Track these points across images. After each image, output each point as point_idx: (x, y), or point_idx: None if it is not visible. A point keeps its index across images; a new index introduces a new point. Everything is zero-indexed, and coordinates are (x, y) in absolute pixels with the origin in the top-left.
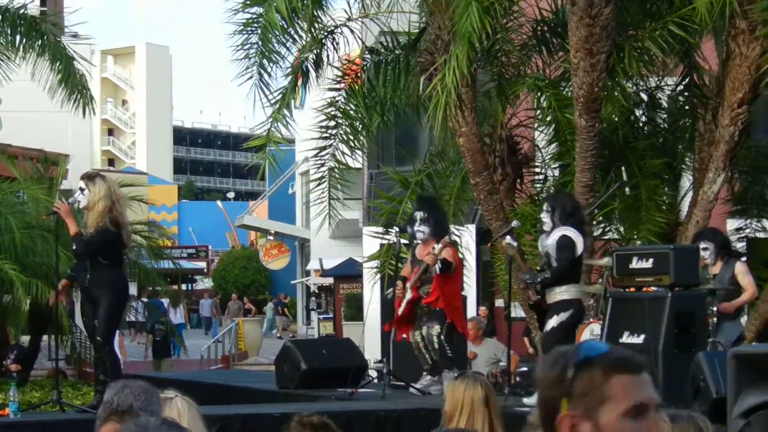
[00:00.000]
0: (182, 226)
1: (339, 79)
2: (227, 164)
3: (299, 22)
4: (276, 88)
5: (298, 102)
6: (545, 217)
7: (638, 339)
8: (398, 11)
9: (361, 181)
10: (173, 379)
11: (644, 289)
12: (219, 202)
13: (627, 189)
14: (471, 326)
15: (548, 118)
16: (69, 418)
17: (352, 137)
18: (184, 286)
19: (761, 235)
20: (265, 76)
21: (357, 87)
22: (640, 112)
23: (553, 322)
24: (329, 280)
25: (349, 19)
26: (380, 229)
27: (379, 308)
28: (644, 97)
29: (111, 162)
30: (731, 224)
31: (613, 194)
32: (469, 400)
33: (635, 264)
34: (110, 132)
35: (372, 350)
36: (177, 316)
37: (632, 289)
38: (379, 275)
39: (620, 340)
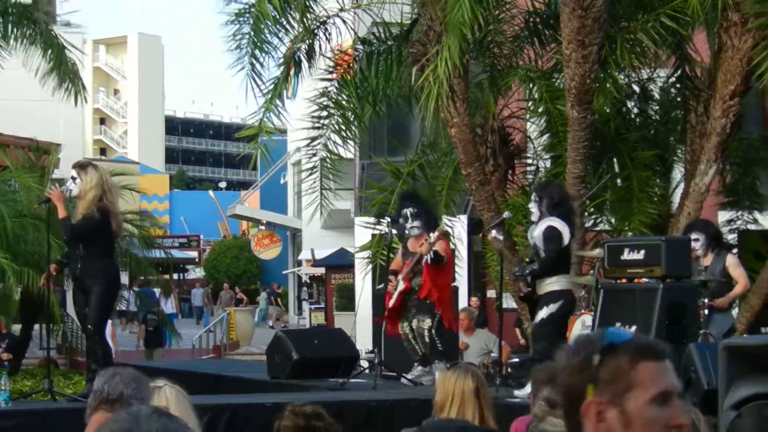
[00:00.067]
0: (174, 215)
1: (331, 69)
2: (219, 154)
3: (291, 12)
4: (268, 78)
5: (290, 92)
6: (533, 207)
7: (630, 330)
8: (390, 2)
9: (353, 172)
10: (164, 369)
11: (636, 280)
12: (211, 192)
13: (618, 180)
14: (463, 317)
15: (540, 110)
16: (60, 407)
17: (344, 127)
18: (175, 276)
19: (752, 227)
20: (258, 66)
21: (349, 77)
22: (632, 103)
23: (543, 314)
24: (321, 270)
25: (341, 10)
26: (372, 220)
27: (370, 298)
28: (636, 88)
29: (103, 151)
30: (723, 216)
31: (605, 185)
32: (459, 391)
33: (627, 255)
34: (102, 121)
35: (363, 340)
36: (168, 306)
37: (624, 281)
38: (370, 266)
39: None
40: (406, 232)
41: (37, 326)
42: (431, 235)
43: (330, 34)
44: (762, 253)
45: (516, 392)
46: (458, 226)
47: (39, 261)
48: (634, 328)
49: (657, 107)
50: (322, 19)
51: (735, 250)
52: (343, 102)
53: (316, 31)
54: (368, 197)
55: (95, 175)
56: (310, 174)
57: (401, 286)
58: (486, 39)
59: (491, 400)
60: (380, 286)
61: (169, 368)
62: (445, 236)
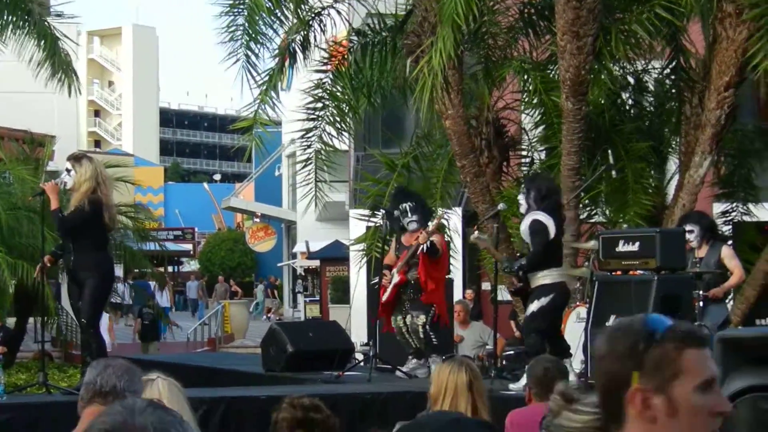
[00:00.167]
0: (168, 208)
1: (326, 60)
2: (214, 146)
3: (286, 3)
4: (263, 70)
5: (285, 84)
6: (521, 199)
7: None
8: None
9: (348, 164)
10: (159, 362)
11: (630, 272)
12: (205, 184)
13: (613, 172)
14: (458, 309)
15: (535, 101)
16: (55, 400)
17: (338, 119)
18: (170, 269)
19: (747, 218)
20: (252, 57)
21: (344, 69)
22: (627, 95)
23: (533, 307)
24: (315, 263)
25: (336, 1)
26: (367, 212)
27: (365, 291)
28: (631, 80)
29: (97, 143)
30: (717, 208)
31: (600, 177)
32: (452, 385)
33: (621, 247)
34: (96, 113)
35: (358, 333)
36: (163, 299)
37: (618, 273)
38: (365, 258)
39: (607, 324)
40: (405, 225)
41: (31, 319)
42: (429, 224)
43: (325, 25)
44: (757, 244)
45: (511, 385)
46: (453, 219)
47: (33, 254)
48: None
49: (652, 99)
50: (316, 11)
51: (730, 242)
52: (338, 93)
53: (310, 23)
54: (363, 189)
55: (90, 167)
56: (305, 166)
57: (396, 278)
58: (480, 30)
59: (485, 393)
60: (375, 281)
61: (163, 361)
62: (440, 229)
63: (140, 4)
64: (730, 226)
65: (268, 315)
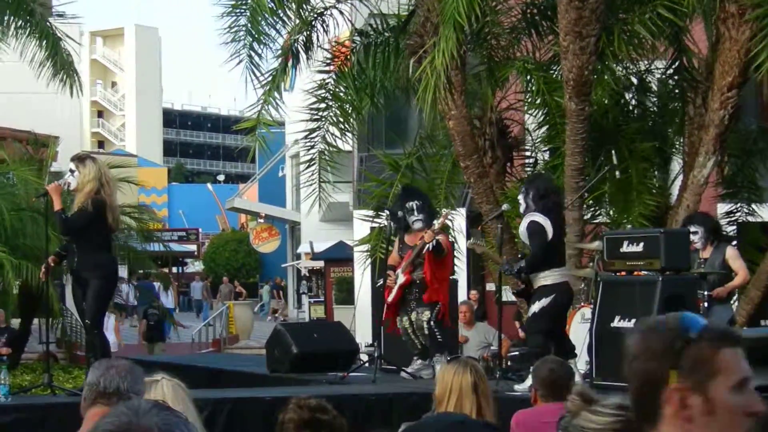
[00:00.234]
0: (172, 208)
1: (328, 61)
2: (217, 147)
3: (288, 3)
4: (266, 70)
5: (288, 84)
6: (521, 199)
7: (629, 323)
8: None
9: (352, 164)
10: (164, 363)
11: (635, 273)
12: (209, 185)
13: (617, 172)
14: (463, 310)
15: (538, 102)
16: (60, 401)
17: (342, 120)
18: (174, 269)
19: (752, 218)
20: (256, 57)
21: (347, 69)
22: (630, 95)
23: (535, 308)
24: (320, 264)
25: (338, 1)
26: (371, 213)
27: (370, 292)
28: (634, 80)
29: (101, 144)
30: (722, 208)
31: (604, 177)
32: (457, 386)
33: (626, 248)
34: (100, 114)
35: (363, 334)
36: (169, 299)
37: (623, 273)
38: (369, 259)
39: (611, 324)
40: (410, 224)
41: (36, 320)
42: (435, 222)
43: (327, 25)
44: (761, 244)
45: (516, 386)
46: (457, 219)
47: (37, 254)
48: (633, 321)
49: (655, 99)
50: (319, 11)
51: (734, 242)
52: (341, 94)
53: (313, 23)
54: (367, 190)
55: (93, 167)
56: (309, 166)
57: (401, 279)
58: (483, 30)
59: (490, 394)
60: (380, 283)
61: (168, 362)
62: (444, 229)
63: (142, 4)
64: (735, 227)
65: (276, 315)
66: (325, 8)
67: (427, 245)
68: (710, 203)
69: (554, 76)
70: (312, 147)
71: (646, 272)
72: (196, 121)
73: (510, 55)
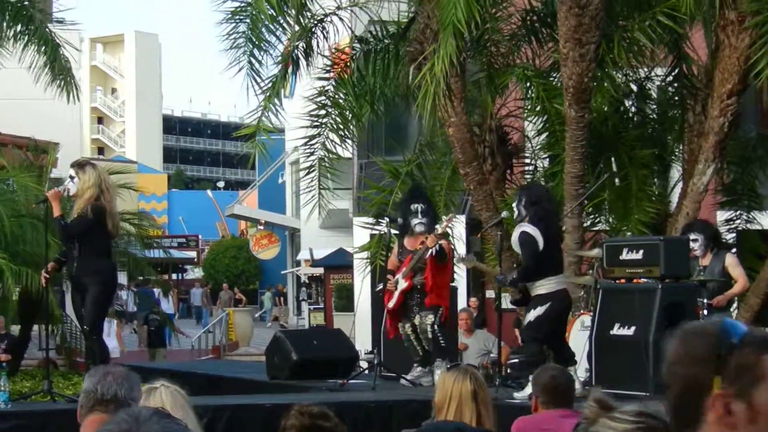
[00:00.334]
0: (172, 215)
1: (328, 68)
2: (217, 153)
3: (288, 10)
4: (266, 77)
5: (288, 91)
6: (514, 206)
7: (629, 331)
8: (387, 0)
9: (351, 171)
10: (163, 369)
11: (634, 280)
12: (209, 192)
13: (617, 180)
14: (463, 317)
15: (538, 109)
16: (60, 407)
17: (342, 126)
18: (174, 276)
19: (751, 226)
20: (256, 64)
21: (346, 76)
22: (630, 102)
23: (530, 317)
24: (319, 271)
25: (338, 8)
26: (371, 220)
27: (369, 299)
28: (634, 87)
29: (101, 150)
30: (721, 215)
31: (603, 185)
32: (457, 393)
33: (625, 255)
34: (100, 120)
35: (363, 341)
36: (169, 305)
37: (622, 281)
38: (369, 266)
39: (611, 332)
40: (412, 226)
41: (36, 327)
42: (438, 227)
43: (327, 32)
44: (761, 252)
45: (516, 394)
46: (457, 226)
47: (37, 261)
48: (633, 328)
49: (655, 106)
50: (319, 18)
51: (734, 250)
52: (341, 101)
53: (313, 30)
54: (366, 197)
55: (93, 174)
56: (308, 173)
57: (403, 284)
58: (483, 37)
59: (490, 402)
60: (379, 288)
61: (167, 369)
62: (445, 236)
63: (142, 11)
64: (734, 234)
65: (281, 323)
66: (325, 15)
67: (430, 250)
68: (710, 211)
69: (554, 83)
70: (312, 154)
71: (645, 280)
72: (196, 128)
73: (510, 62)
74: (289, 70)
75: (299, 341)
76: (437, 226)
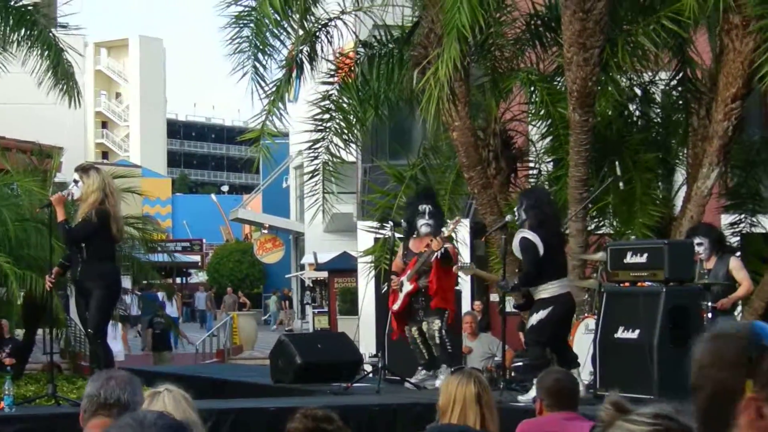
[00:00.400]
0: (176, 219)
1: (333, 72)
2: (221, 157)
3: (292, 14)
4: (270, 81)
5: (292, 95)
6: (516, 211)
7: (633, 334)
8: (392, 5)
9: (355, 175)
10: (167, 373)
11: (639, 284)
12: (213, 196)
13: (621, 183)
14: (467, 320)
15: (542, 113)
16: (64, 411)
17: (346, 130)
18: (178, 280)
19: (755, 230)
20: (260, 68)
21: (350, 80)
22: (634, 106)
23: (532, 320)
24: (324, 274)
25: (342, 13)
26: (375, 224)
27: (374, 302)
28: (638, 91)
29: (105, 155)
30: (725, 219)
31: (607, 189)
32: (461, 397)
33: (629, 259)
34: (104, 125)
35: (367, 345)
36: (173, 309)
37: (626, 284)
38: (373, 270)
39: (615, 335)
40: (418, 227)
41: (40, 331)
42: (444, 230)
43: (331, 36)
44: (765, 255)
45: (520, 397)
46: (461, 230)
47: (41, 265)
48: (637, 331)
49: (659, 110)
50: (323, 22)
51: (738, 253)
52: (345, 105)
53: (317, 34)
54: (371, 201)
55: (97, 178)
56: (312, 177)
57: (408, 287)
58: (487, 42)
59: (494, 405)
60: (384, 289)
61: (172, 372)
62: (449, 239)
63: (146, 15)
64: (738, 238)
65: (289, 327)
66: (330, 19)
67: (435, 253)
68: (714, 214)
69: (558, 87)
70: (316, 158)
71: (649, 283)
72: (200, 132)
73: (514, 66)
74: (293, 74)
75: (303, 345)
76: (443, 229)
